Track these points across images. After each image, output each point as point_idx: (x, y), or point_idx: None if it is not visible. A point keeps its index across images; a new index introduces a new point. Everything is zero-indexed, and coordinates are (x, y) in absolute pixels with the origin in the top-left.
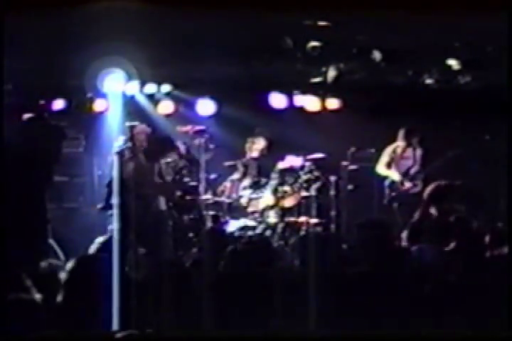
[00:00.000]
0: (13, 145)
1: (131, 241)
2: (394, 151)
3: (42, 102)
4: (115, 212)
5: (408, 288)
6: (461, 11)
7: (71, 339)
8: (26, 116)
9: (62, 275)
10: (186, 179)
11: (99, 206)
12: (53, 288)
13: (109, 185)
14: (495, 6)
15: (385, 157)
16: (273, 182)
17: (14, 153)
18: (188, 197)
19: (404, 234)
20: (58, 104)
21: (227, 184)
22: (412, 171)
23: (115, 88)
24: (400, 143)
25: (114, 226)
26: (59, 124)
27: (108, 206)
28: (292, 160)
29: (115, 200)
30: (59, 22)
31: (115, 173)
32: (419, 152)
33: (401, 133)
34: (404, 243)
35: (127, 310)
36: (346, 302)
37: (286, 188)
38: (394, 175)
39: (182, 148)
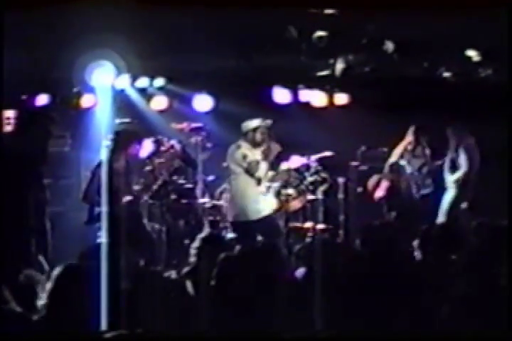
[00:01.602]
0: None
1: (121, 249)
2: (405, 149)
3: (24, 97)
4: (103, 219)
5: (419, 299)
6: None
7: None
8: (7, 113)
9: (47, 285)
10: (181, 181)
11: (84, 220)
12: (32, 300)
13: (86, 197)
14: None
15: (393, 157)
16: (276, 185)
17: None
18: (183, 201)
19: (416, 243)
20: (42, 100)
21: (227, 186)
22: (424, 170)
23: (104, 82)
24: (410, 141)
25: (103, 234)
26: (44, 121)
27: (93, 218)
28: (297, 161)
29: (103, 208)
30: (44, 13)
31: (103, 178)
32: (428, 151)
33: (411, 130)
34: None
35: (116, 326)
36: (356, 320)
37: (291, 191)
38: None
39: (177, 147)
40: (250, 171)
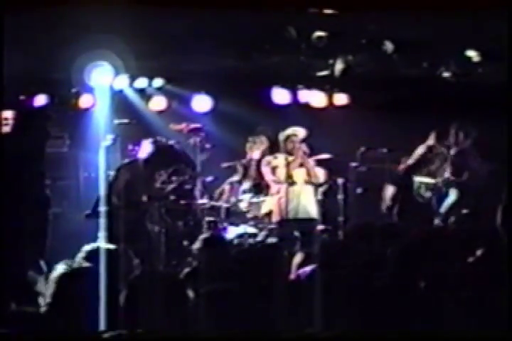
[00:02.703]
0: None
1: (120, 250)
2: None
3: (22, 98)
4: (102, 220)
5: (419, 299)
6: None
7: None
8: (4, 113)
9: (47, 286)
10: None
11: (86, 213)
12: (31, 300)
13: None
14: None
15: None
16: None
17: None
18: (182, 202)
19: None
20: (40, 100)
21: (226, 187)
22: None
23: (103, 82)
24: (432, 144)
25: (101, 234)
26: (42, 122)
27: (95, 213)
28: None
29: (102, 207)
30: (43, 13)
31: (102, 177)
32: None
33: (433, 136)
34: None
35: (115, 326)
36: (356, 320)
37: None
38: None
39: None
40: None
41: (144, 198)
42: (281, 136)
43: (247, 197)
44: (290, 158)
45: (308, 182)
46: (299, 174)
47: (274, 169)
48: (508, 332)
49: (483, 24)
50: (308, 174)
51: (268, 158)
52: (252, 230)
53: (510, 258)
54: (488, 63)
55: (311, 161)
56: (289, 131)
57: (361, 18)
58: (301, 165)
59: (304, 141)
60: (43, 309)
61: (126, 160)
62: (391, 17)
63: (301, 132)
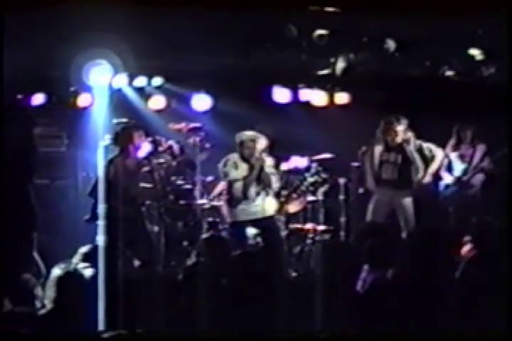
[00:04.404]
0: None
1: (118, 251)
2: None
3: (20, 97)
4: (101, 220)
5: (419, 299)
6: None
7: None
8: None
9: (49, 289)
10: (180, 182)
11: (86, 218)
12: (30, 301)
13: (92, 192)
14: None
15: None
16: (276, 186)
17: None
18: (181, 202)
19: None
20: (38, 99)
21: (221, 186)
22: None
23: (101, 81)
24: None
25: (100, 236)
26: (28, 116)
27: (94, 217)
28: (297, 161)
29: (101, 207)
30: (42, 12)
31: (101, 177)
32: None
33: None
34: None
35: (114, 326)
36: (356, 320)
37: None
38: (447, 177)
39: (175, 147)
40: (228, 188)
41: (138, 194)
42: (237, 138)
43: None
44: (246, 171)
45: (259, 193)
46: (253, 188)
47: (231, 183)
48: (508, 332)
49: (486, 22)
50: (262, 182)
51: (226, 168)
52: (252, 230)
53: (510, 258)
54: (491, 61)
55: (269, 170)
56: (245, 136)
57: (363, 16)
58: (257, 178)
59: (270, 149)
60: (42, 309)
61: (110, 156)
62: (393, 15)
63: (260, 140)
